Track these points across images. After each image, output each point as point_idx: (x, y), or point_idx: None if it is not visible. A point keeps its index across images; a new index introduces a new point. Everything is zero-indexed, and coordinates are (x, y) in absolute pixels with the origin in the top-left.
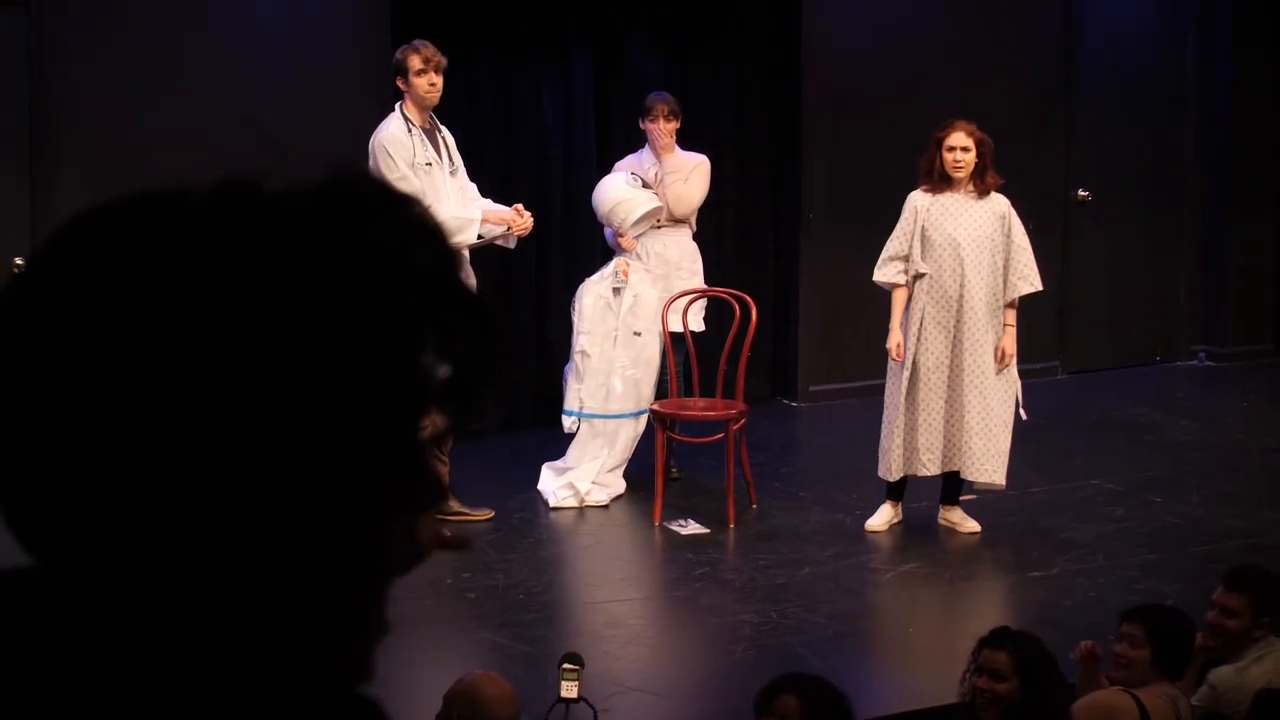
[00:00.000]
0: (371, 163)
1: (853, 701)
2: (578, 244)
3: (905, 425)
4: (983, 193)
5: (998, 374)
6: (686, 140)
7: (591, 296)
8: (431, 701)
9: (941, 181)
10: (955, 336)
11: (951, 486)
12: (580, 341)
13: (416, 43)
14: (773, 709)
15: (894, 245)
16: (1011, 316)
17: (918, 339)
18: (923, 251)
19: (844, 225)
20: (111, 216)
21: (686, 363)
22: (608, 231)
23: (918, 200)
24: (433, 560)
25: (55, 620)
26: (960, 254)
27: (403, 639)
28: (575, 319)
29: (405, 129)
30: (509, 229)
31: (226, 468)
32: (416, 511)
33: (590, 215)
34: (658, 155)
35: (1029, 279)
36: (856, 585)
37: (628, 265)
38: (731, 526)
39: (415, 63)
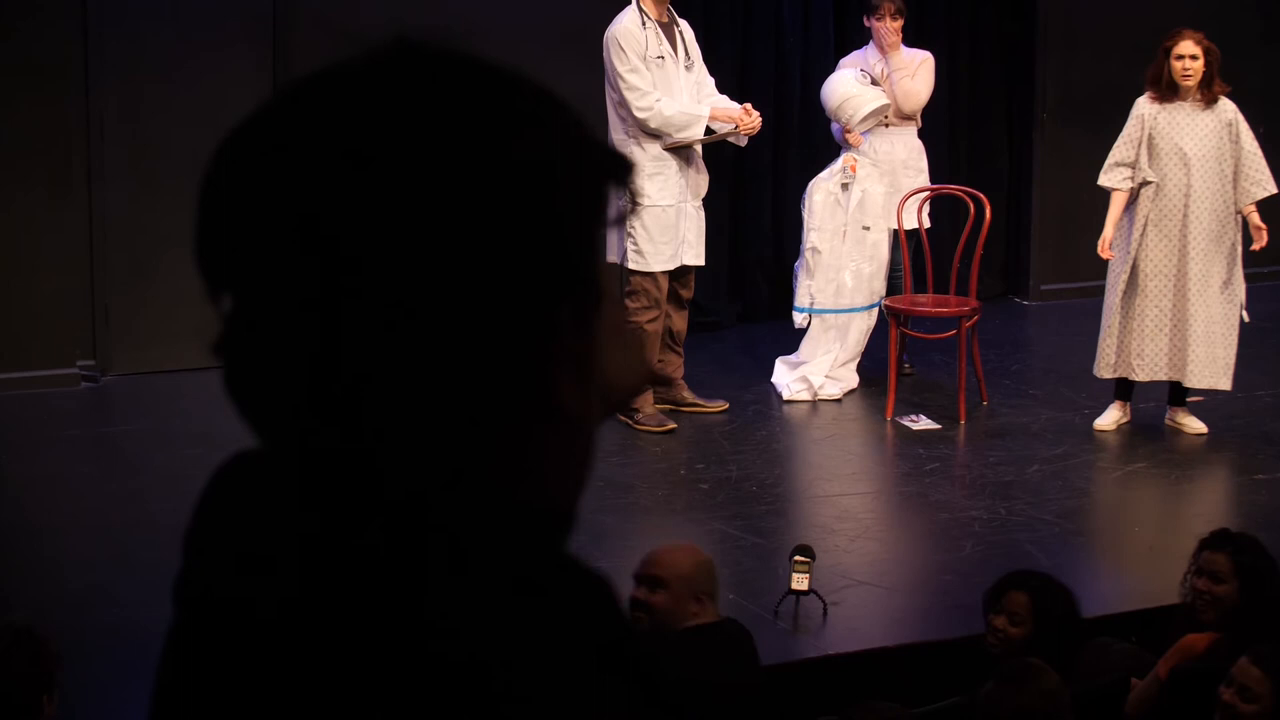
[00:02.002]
0: (605, 55)
1: (1080, 600)
2: (814, 140)
3: (1120, 328)
4: (1210, 101)
5: (1254, 249)
6: (924, 38)
7: (822, 193)
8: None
9: (1169, 90)
10: (1180, 246)
11: (1179, 388)
12: (811, 238)
13: None
14: (1002, 606)
15: (1119, 152)
16: (1252, 212)
17: (1138, 244)
18: (1149, 160)
19: (1078, 124)
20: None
21: (918, 259)
22: (835, 127)
23: (1144, 109)
24: (667, 451)
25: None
26: (1187, 165)
27: (636, 529)
28: (805, 216)
29: (639, 22)
30: (736, 127)
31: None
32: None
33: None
34: (883, 52)
35: (1262, 183)
36: (1084, 484)
37: (855, 160)
38: (962, 423)
39: None
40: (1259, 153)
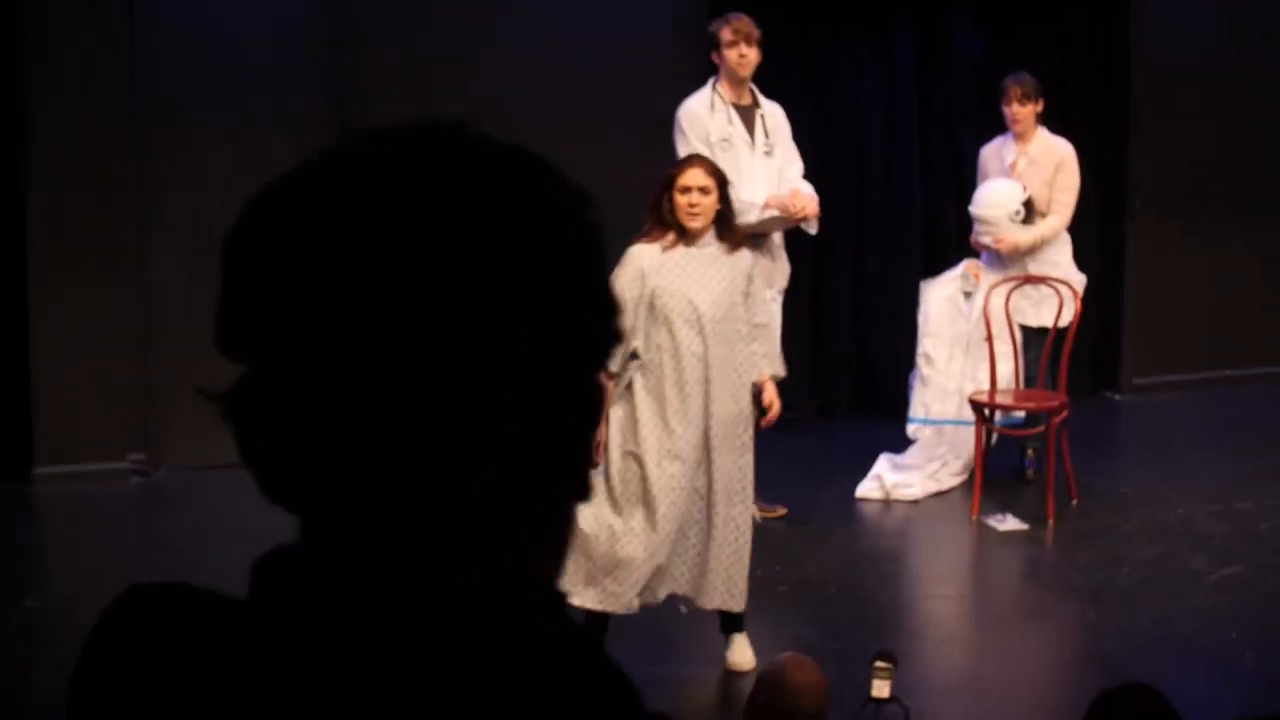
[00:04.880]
0: (673, 135)
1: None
2: (897, 228)
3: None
4: (733, 246)
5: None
6: (1003, 123)
7: (938, 299)
8: (736, 692)
9: (675, 231)
10: (701, 428)
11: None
12: (924, 344)
13: (729, 15)
14: None
15: None
16: (770, 393)
17: (652, 437)
18: (650, 322)
19: (1173, 210)
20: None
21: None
22: (978, 228)
23: (643, 258)
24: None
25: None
26: (704, 325)
27: (714, 633)
28: (920, 321)
29: (708, 104)
30: (788, 214)
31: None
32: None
33: (911, 200)
34: (1018, 141)
35: (772, 357)
36: (1178, 587)
37: (980, 268)
38: (1050, 523)
39: (726, 34)
40: (766, 322)
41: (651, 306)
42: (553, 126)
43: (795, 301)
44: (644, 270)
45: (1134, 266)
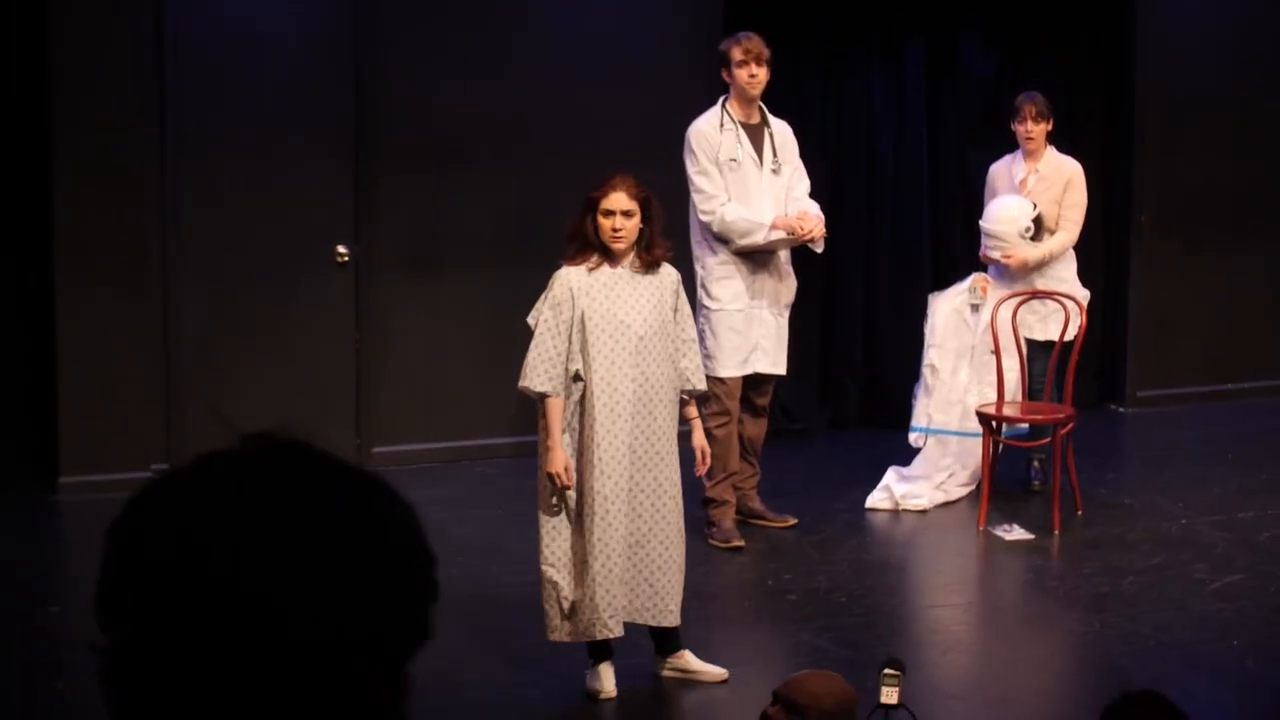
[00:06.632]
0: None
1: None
2: (907, 242)
3: (575, 577)
4: (650, 266)
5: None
6: (1011, 140)
7: (944, 312)
8: (753, 703)
9: (601, 254)
10: (633, 447)
11: (661, 632)
12: (930, 355)
13: (740, 35)
14: None
15: (546, 344)
16: (693, 411)
17: (581, 456)
18: (584, 344)
19: (1177, 227)
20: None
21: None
22: (987, 242)
23: (572, 280)
24: (756, 561)
25: None
26: (636, 344)
27: (725, 641)
28: (927, 332)
29: (716, 124)
30: (794, 236)
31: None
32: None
33: (920, 214)
34: (1028, 159)
35: (696, 373)
36: (1180, 596)
37: (988, 282)
38: (1056, 533)
39: (736, 54)
40: (694, 338)
41: (583, 328)
42: (566, 140)
43: (806, 314)
44: (573, 291)
45: (1139, 281)
